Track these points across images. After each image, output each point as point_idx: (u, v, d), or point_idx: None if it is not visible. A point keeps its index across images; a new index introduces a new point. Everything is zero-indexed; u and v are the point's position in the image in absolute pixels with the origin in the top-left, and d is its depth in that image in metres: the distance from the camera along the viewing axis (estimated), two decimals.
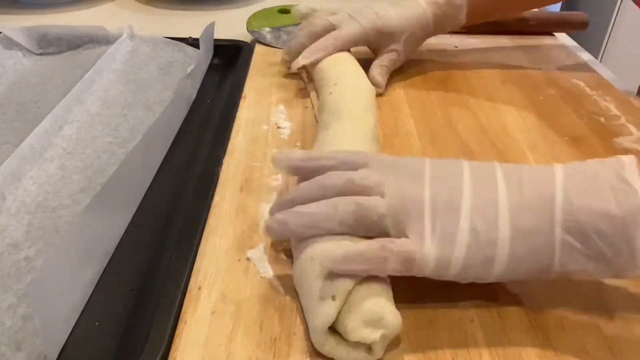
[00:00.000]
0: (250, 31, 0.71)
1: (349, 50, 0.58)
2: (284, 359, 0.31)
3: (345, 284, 0.30)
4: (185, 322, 0.32)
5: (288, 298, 0.34)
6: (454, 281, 0.32)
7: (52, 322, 0.32)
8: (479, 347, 0.31)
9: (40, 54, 0.66)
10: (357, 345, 0.30)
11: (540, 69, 0.64)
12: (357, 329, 0.29)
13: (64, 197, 0.44)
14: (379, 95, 0.56)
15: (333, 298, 0.30)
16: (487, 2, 0.60)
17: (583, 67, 0.65)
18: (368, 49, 0.61)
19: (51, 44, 0.66)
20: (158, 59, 0.65)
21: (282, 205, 0.36)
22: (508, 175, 0.32)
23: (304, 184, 0.36)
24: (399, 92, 0.58)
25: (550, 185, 0.31)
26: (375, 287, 0.31)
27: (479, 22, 0.64)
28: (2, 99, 0.57)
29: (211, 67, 0.64)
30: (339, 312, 0.30)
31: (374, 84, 0.55)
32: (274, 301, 0.34)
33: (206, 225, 0.40)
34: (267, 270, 0.36)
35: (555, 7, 1.72)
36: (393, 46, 0.58)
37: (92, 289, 0.36)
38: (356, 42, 0.57)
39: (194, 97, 0.58)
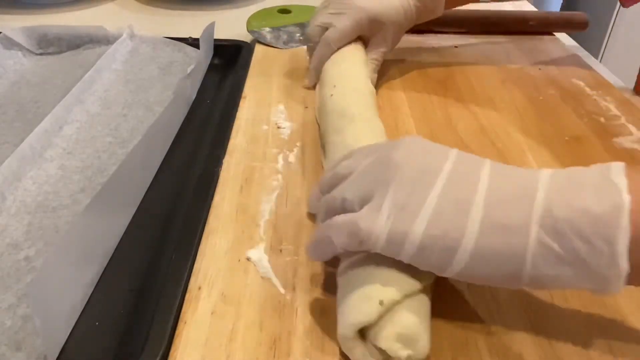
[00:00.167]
0: (250, 31, 0.71)
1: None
2: (284, 359, 0.31)
3: (395, 294, 0.29)
4: (185, 322, 0.32)
5: (288, 298, 0.34)
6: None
7: (52, 322, 0.32)
8: (479, 349, 0.31)
9: (40, 54, 0.66)
10: (379, 352, 0.29)
11: (540, 69, 0.64)
12: (389, 338, 0.28)
13: (64, 197, 0.44)
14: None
15: (381, 303, 0.29)
16: None
17: (583, 67, 0.65)
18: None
19: (51, 44, 0.66)
20: (158, 59, 0.65)
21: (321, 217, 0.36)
22: (494, 170, 0.30)
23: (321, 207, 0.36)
24: (399, 93, 0.58)
25: (532, 183, 0.28)
26: (421, 308, 0.30)
27: (455, 7, 0.65)
28: (2, 99, 0.57)
29: (211, 67, 0.64)
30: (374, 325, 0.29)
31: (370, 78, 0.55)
32: (274, 301, 0.34)
33: (206, 225, 0.40)
34: (267, 270, 0.36)
35: (556, 7, 1.72)
36: (382, 37, 0.57)
37: (92, 289, 0.36)
38: (349, 38, 0.56)
39: (194, 97, 0.58)
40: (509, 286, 0.30)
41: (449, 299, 0.34)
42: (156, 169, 0.47)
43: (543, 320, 0.33)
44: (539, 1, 0.96)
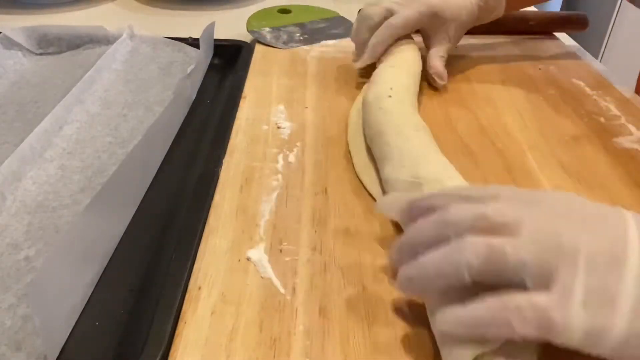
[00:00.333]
0: (250, 31, 0.71)
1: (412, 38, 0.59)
2: (284, 359, 0.31)
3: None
4: (185, 322, 0.32)
5: (288, 298, 0.34)
6: None
7: (52, 322, 0.32)
8: None
9: (40, 54, 0.66)
10: None
11: (540, 69, 0.64)
12: None
13: (64, 197, 0.44)
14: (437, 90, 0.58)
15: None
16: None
17: (583, 67, 0.65)
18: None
19: (51, 44, 0.66)
20: (158, 59, 0.65)
21: (402, 251, 0.31)
22: None
23: (421, 222, 0.30)
24: None
25: None
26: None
27: (515, 9, 0.66)
28: (2, 99, 0.57)
29: (211, 67, 0.64)
30: None
31: (437, 74, 0.57)
32: (274, 301, 0.34)
33: (206, 225, 0.40)
34: (267, 270, 0.36)
35: (556, 7, 1.72)
36: (446, 33, 0.58)
37: (92, 289, 0.36)
38: (412, 28, 0.57)
39: (194, 97, 0.58)
40: None
41: None
42: (156, 169, 0.47)
43: None
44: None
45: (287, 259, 0.37)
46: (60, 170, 0.46)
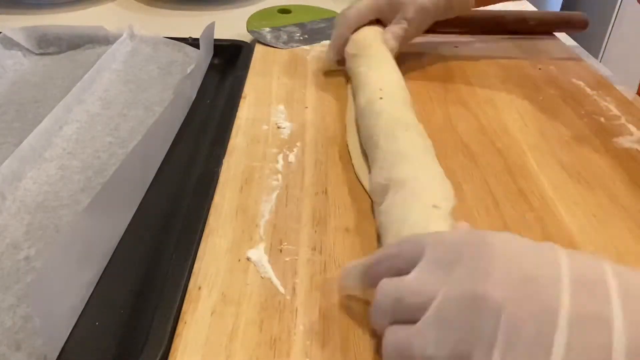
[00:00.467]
0: (250, 31, 0.71)
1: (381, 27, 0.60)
2: (284, 359, 0.31)
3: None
4: (185, 322, 0.32)
5: (288, 298, 0.34)
6: None
7: (52, 322, 0.32)
8: None
9: (40, 54, 0.66)
10: None
11: (540, 69, 0.64)
12: None
13: (64, 197, 0.44)
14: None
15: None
16: None
17: (583, 67, 0.65)
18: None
19: (51, 44, 0.66)
20: (158, 59, 0.65)
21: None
22: (626, 294, 0.22)
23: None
24: None
25: None
26: None
27: (485, 5, 0.65)
28: (2, 99, 0.57)
29: (211, 67, 0.64)
30: None
31: (389, 47, 0.56)
32: (274, 301, 0.34)
33: (206, 225, 0.40)
34: (267, 270, 0.36)
35: (556, 7, 1.72)
36: (402, 15, 0.57)
37: (92, 289, 0.36)
38: (366, 16, 0.58)
39: (194, 97, 0.58)
40: None
41: None
42: (156, 169, 0.47)
43: None
44: (539, 1, 0.96)
45: (287, 259, 0.37)
46: (60, 170, 0.46)
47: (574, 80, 0.61)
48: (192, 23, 0.76)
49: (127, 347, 0.33)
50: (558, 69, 0.64)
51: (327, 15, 0.77)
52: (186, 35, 0.67)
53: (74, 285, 0.34)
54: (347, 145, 0.49)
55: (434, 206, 0.35)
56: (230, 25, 0.72)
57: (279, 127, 0.51)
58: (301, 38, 0.70)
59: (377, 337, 0.32)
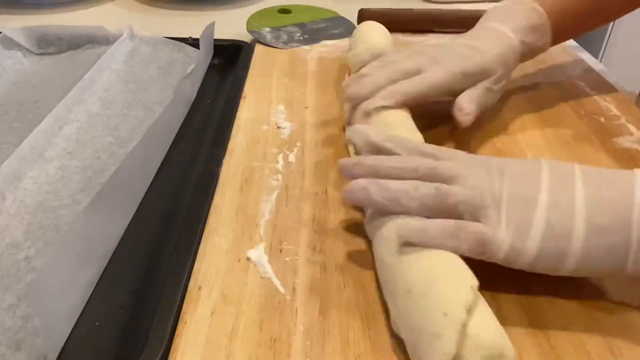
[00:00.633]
0: (250, 31, 0.71)
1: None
2: (284, 359, 0.31)
3: (460, 317, 0.28)
4: (185, 322, 0.32)
5: (288, 298, 0.34)
6: None
7: (52, 322, 0.32)
8: None
9: (40, 54, 0.66)
10: None
11: (540, 69, 0.64)
12: None
13: (64, 197, 0.44)
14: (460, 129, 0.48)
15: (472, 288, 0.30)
16: (568, 24, 0.53)
17: (583, 67, 0.65)
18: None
19: (51, 44, 0.66)
20: (158, 59, 0.65)
21: (362, 170, 0.36)
22: (587, 175, 0.33)
23: (386, 158, 0.37)
24: None
25: (629, 185, 0.32)
26: (486, 318, 0.29)
27: (562, 42, 0.58)
28: (2, 99, 0.57)
29: (211, 67, 0.64)
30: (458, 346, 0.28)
31: (458, 107, 0.46)
32: (274, 301, 0.34)
33: (206, 225, 0.40)
34: (267, 270, 0.36)
35: None
36: (485, 83, 0.48)
37: (92, 289, 0.36)
38: (442, 90, 0.47)
39: (194, 97, 0.58)
40: (611, 276, 0.35)
41: None
42: (156, 169, 0.47)
43: (542, 319, 0.33)
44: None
45: (287, 259, 0.37)
46: (60, 170, 0.46)
47: (574, 80, 0.61)
48: (192, 23, 0.76)
49: (127, 347, 0.33)
50: (558, 69, 0.64)
51: (327, 15, 0.77)
52: (186, 35, 0.67)
53: (74, 285, 0.34)
54: (347, 146, 0.49)
55: None
56: (230, 25, 0.72)
57: (279, 127, 0.51)
58: (301, 38, 0.70)
59: (377, 337, 0.32)
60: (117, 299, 0.36)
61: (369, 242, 0.38)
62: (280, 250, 0.38)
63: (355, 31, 0.61)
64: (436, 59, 0.48)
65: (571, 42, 0.74)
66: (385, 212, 0.35)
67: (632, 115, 0.54)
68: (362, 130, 0.39)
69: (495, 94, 0.50)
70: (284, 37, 0.70)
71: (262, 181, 0.44)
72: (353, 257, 0.37)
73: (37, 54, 0.65)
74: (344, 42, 0.69)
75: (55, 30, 0.66)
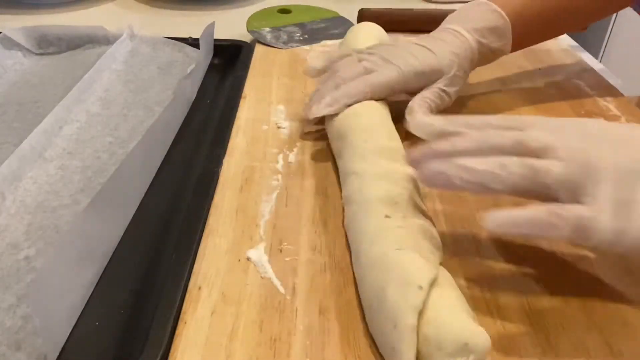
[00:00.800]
0: (250, 31, 0.71)
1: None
2: (284, 359, 0.31)
3: (409, 324, 0.28)
4: (185, 322, 0.32)
5: (288, 298, 0.34)
6: None
7: (52, 322, 0.32)
8: None
9: (40, 54, 0.66)
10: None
11: (540, 69, 0.64)
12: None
13: (64, 197, 0.44)
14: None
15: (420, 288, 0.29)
16: (534, 27, 0.53)
17: (583, 67, 0.65)
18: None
19: (51, 44, 0.66)
20: (158, 59, 0.65)
21: (436, 153, 0.33)
22: None
23: (461, 138, 0.33)
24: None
25: None
26: (443, 310, 0.29)
27: (523, 47, 0.56)
28: (2, 99, 0.57)
29: (211, 67, 0.63)
30: (420, 352, 0.28)
31: (409, 111, 0.45)
32: (274, 301, 0.34)
33: (206, 225, 0.40)
34: (267, 270, 0.36)
35: None
36: (439, 84, 0.48)
37: (92, 289, 0.36)
38: (393, 89, 0.47)
39: (194, 97, 0.58)
40: None
41: None
42: (156, 169, 0.47)
43: (542, 319, 0.33)
44: None
45: (287, 259, 0.37)
46: (60, 170, 0.46)
47: (574, 80, 0.61)
48: (192, 23, 0.76)
49: (127, 347, 0.33)
50: (558, 69, 0.64)
51: (327, 15, 0.77)
52: (186, 35, 0.67)
53: (74, 285, 0.34)
54: None
55: None
56: (230, 25, 0.72)
57: (279, 127, 0.51)
58: (301, 38, 0.70)
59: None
60: (117, 299, 0.36)
61: None
62: (280, 250, 0.38)
63: (347, 33, 0.61)
64: (387, 59, 0.47)
65: (571, 42, 0.74)
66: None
67: (632, 115, 0.54)
68: (424, 122, 0.37)
69: (450, 96, 0.49)
70: (284, 37, 0.70)
71: (262, 181, 0.44)
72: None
73: (37, 54, 0.65)
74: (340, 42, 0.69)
75: (55, 30, 0.66)
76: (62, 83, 0.59)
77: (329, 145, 0.49)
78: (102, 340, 0.33)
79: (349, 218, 0.38)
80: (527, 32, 0.52)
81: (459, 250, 0.38)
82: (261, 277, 0.36)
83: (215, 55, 0.65)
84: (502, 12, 0.50)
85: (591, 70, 0.64)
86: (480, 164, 0.31)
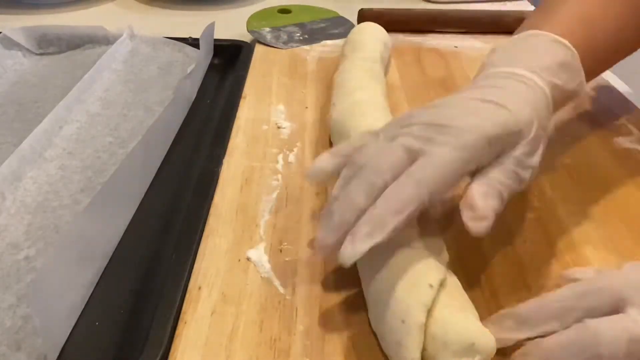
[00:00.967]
0: (250, 31, 0.71)
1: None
2: (284, 359, 0.31)
3: (417, 320, 0.28)
4: (185, 322, 0.32)
5: (288, 298, 0.34)
6: None
7: (52, 322, 0.32)
8: None
9: (40, 54, 0.66)
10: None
11: None
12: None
13: (64, 197, 0.44)
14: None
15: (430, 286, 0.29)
16: (597, 58, 0.41)
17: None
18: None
19: (51, 44, 0.66)
20: (158, 59, 0.65)
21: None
22: None
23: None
24: (399, 92, 0.58)
25: None
26: (452, 310, 0.29)
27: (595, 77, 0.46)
28: (2, 99, 0.57)
29: (211, 67, 0.63)
30: (425, 350, 0.28)
31: (467, 205, 0.30)
32: (274, 301, 0.34)
33: (206, 225, 0.40)
34: (267, 270, 0.36)
35: None
36: (516, 152, 0.32)
37: (92, 289, 0.36)
38: (459, 175, 0.31)
39: (194, 97, 0.58)
40: None
41: None
42: (156, 169, 0.47)
43: None
44: (539, 1, 0.96)
45: (287, 259, 0.37)
46: (60, 170, 0.46)
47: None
48: (192, 23, 0.76)
49: (127, 347, 0.33)
50: None
51: (327, 15, 0.77)
52: (186, 35, 0.67)
53: (74, 285, 0.34)
54: None
55: None
56: (230, 25, 0.72)
57: (279, 127, 0.51)
58: (301, 38, 0.70)
59: (377, 337, 0.32)
60: (117, 299, 0.36)
61: None
62: (280, 250, 0.38)
63: (350, 33, 0.61)
64: (438, 125, 0.32)
65: None
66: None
67: (632, 115, 0.54)
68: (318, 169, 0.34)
69: (533, 170, 0.33)
70: (284, 37, 0.70)
71: (262, 181, 0.44)
72: None
73: (37, 54, 0.65)
74: (343, 42, 0.69)
75: (55, 30, 0.66)
76: (62, 83, 0.59)
77: (329, 145, 0.49)
78: (102, 340, 0.33)
79: None
80: (596, 63, 0.41)
81: (459, 250, 0.38)
82: (261, 277, 0.36)
83: (215, 55, 0.65)
84: (566, 42, 0.37)
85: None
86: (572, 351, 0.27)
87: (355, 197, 0.30)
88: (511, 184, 0.32)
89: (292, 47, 0.68)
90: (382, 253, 0.32)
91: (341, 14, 0.77)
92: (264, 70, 0.62)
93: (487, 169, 0.32)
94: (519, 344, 0.29)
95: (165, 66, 0.63)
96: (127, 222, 0.42)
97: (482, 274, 0.36)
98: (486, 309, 0.33)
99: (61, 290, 0.33)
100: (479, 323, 0.29)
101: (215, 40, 0.65)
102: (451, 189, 0.31)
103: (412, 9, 0.75)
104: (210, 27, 0.62)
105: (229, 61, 0.65)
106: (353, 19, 0.74)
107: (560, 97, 0.37)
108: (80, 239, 0.35)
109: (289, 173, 0.45)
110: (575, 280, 0.30)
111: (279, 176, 0.45)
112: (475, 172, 0.32)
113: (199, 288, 0.35)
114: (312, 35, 0.71)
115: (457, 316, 0.29)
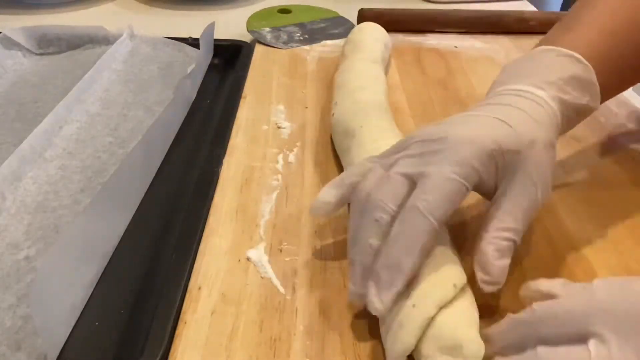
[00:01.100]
0: (250, 31, 0.71)
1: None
2: (284, 359, 0.31)
3: (427, 310, 0.29)
4: (185, 322, 0.32)
5: (288, 298, 0.34)
6: None
7: (52, 322, 0.32)
8: None
9: (40, 54, 0.66)
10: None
11: None
12: (432, 356, 0.28)
13: (64, 197, 0.44)
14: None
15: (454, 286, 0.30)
16: (617, 73, 0.38)
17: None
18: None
19: (51, 44, 0.66)
20: (158, 59, 0.65)
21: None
22: None
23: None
24: (399, 93, 0.58)
25: None
26: (457, 312, 0.29)
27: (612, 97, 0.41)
28: (2, 99, 0.57)
29: (211, 67, 0.64)
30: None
31: (483, 268, 0.31)
32: (274, 301, 0.34)
33: (206, 225, 0.40)
34: (267, 270, 0.36)
35: (556, 7, 1.72)
36: (519, 178, 0.32)
37: (92, 289, 0.36)
38: (463, 195, 0.31)
39: (194, 97, 0.58)
40: None
41: None
42: (156, 169, 0.47)
43: None
44: (539, 1, 0.96)
45: (287, 259, 0.37)
46: (60, 170, 0.46)
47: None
48: (192, 23, 0.76)
49: (127, 347, 0.33)
50: None
51: (327, 15, 0.77)
52: (186, 35, 0.67)
53: (74, 285, 0.34)
54: None
55: None
56: (230, 25, 0.72)
57: (279, 127, 0.51)
58: (301, 38, 0.70)
59: (377, 337, 0.32)
60: (117, 299, 0.36)
61: None
62: (280, 250, 0.38)
63: (350, 33, 0.62)
64: (434, 141, 0.32)
65: None
66: None
67: (632, 115, 0.54)
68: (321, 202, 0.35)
69: (539, 193, 0.32)
70: (284, 37, 0.70)
71: (262, 181, 0.44)
72: None
73: (37, 54, 0.65)
74: (343, 42, 0.69)
75: (55, 30, 0.66)
76: (62, 83, 0.59)
77: (329, 145, 0.49)
78: (102, 340, 0.33)
79: None
80: (621, 77, 0.39)
81: (459, 250, 0.37)
82: (261, 277, 0.36)
83: (215, 55, 0.65)
84: (578, 55, 0.36)
85: None
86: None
87: (367, 240, 0.31)
88: (527, 209, 0.31)
89: (292, 47, 0.68)
90: None
91: (341, 14, 0.77)
92: (264, 70, 0.62)
93: (500, 201, 0.32)
94: None
95: (165, 66, 0.63)
96: (127, 222, 0.42)
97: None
98: (487, 310, 0.34)
99: (61, 290, 0.33)
100: (475, 332, 0.29)
101: (215, 40, 0.65)
102: (457, 206, 0.31)
103: (412, 9, 0.75)
104: (210, 27, 0.62)
105: (229, 61, 0.65)
106: (353, 19, 0.74)
107: (573, 113, 0.36)
108: (80, 239, 0.35)
109: (289, 173, 0.45)
110: (540, 293, 0.28)
111: (279, 176, 0.45)
112: (485, 192, 0.33)
113: (199, 288, 0.35)
114: (312, 35, 0.71)
115: (458, 319, 0.29)
